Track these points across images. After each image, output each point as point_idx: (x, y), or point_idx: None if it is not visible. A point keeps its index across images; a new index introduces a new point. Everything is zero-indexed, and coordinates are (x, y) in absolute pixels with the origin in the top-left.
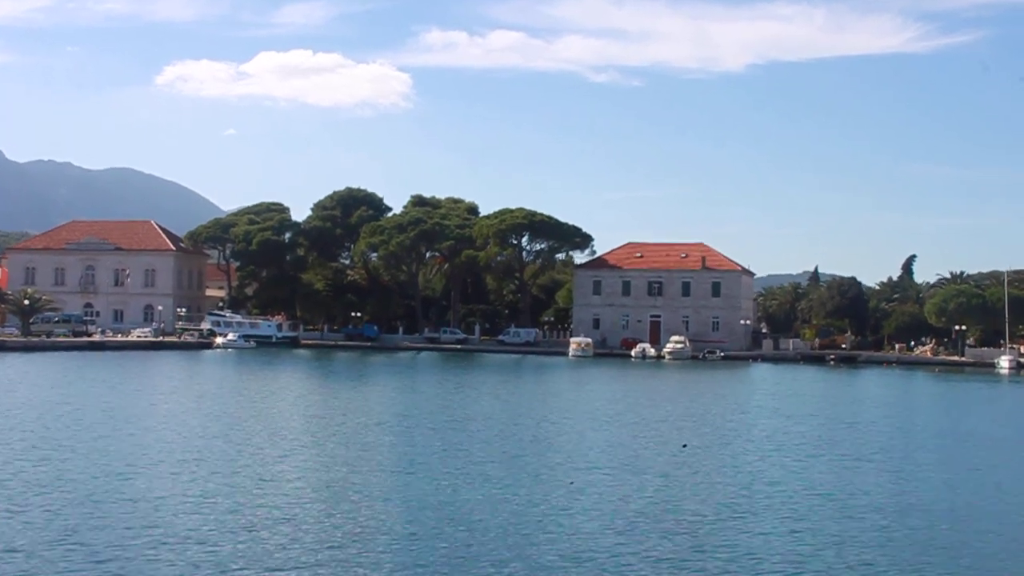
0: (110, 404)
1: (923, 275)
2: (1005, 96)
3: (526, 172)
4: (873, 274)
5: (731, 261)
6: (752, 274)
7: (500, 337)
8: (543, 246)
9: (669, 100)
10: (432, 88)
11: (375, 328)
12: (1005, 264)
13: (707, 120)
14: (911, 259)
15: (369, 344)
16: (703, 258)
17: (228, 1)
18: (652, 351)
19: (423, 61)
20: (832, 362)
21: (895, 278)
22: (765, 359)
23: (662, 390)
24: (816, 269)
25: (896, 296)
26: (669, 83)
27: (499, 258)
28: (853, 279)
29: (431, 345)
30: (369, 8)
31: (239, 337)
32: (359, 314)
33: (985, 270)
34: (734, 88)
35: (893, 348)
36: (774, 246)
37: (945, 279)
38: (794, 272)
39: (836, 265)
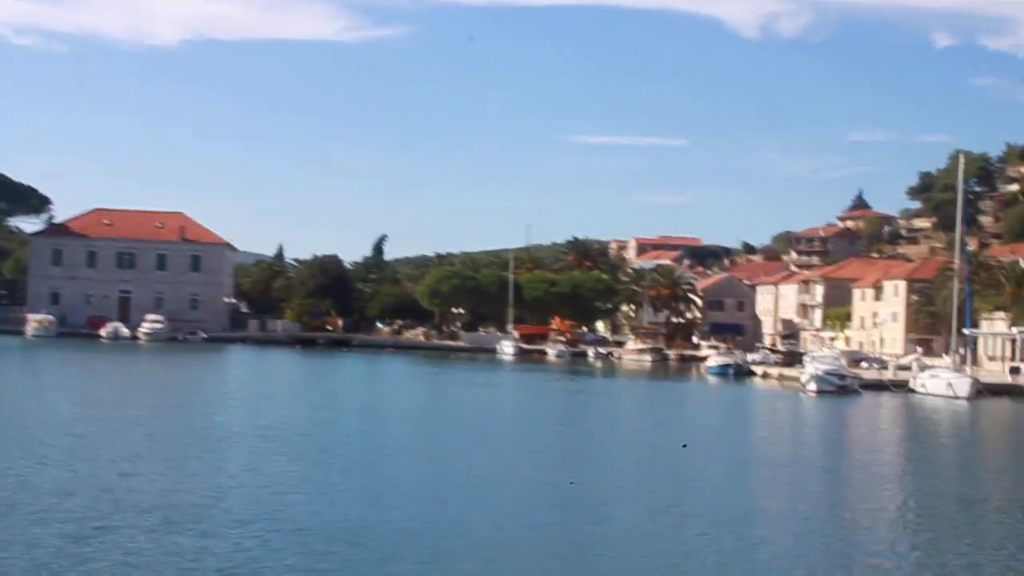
0: None
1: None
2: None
3: None
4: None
5: (213, 233)
6: (235, 249)
7: None
8: None
9: (97, 70)
10: None
11: None
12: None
13: (137, 95)
14: (382, 239)
15: None
16: (182, 228)
17: None
18: (126, 331)
19: None
20: (322, 344)
21: (368, 257)
22: (252, 341)
23: (162, 379)
24: (281, 247)
25: (373, 276)
26: (99, 53)
27: None
28: (335, 257)
29: None
30: None
31: None
32: None
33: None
34: (167, 63)
35: (383, 331)
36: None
37: (423, 259)
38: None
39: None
